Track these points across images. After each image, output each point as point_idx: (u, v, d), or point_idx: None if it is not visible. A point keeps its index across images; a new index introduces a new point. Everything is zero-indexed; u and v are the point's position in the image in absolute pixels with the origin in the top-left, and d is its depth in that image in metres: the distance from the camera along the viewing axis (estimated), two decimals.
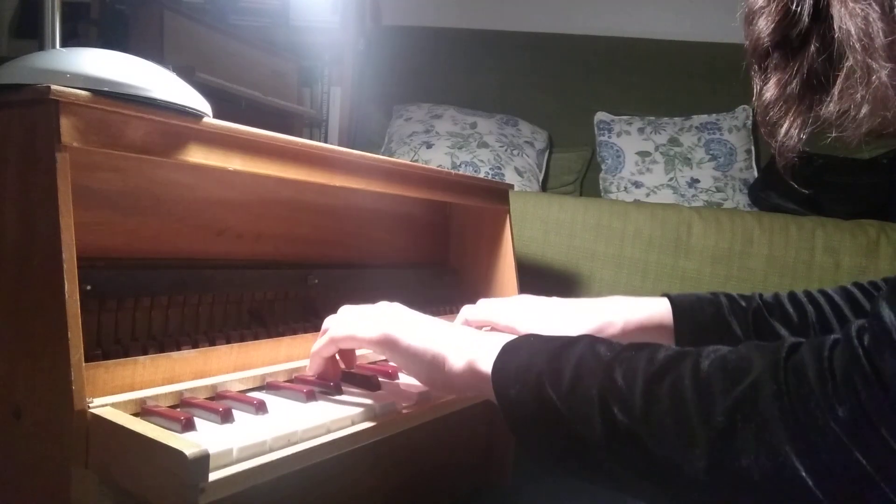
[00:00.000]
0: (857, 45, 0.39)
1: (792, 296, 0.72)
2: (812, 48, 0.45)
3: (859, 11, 0.39)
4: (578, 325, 0.72)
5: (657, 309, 0.73)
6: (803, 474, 0.38)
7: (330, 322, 0.66)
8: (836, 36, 0.42)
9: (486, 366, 0.55)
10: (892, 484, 0.36)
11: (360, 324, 0.63)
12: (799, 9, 0.45)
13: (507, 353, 0.54)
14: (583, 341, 0.52)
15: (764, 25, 0.47)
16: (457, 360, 0.57)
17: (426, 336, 0.60)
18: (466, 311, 0.80)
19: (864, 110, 0.40)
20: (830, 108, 0.43)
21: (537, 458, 0.52)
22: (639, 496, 0.48)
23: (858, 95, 0.40)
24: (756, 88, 0.49)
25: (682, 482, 0.43)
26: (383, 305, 0.65)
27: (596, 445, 0.47)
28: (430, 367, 0.59)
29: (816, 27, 0.45)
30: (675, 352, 0.47)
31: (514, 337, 0.57)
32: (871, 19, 0.38)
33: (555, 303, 0.77)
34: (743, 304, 0.72)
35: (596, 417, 0.46)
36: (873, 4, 0.38)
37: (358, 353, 0.76)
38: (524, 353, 0.53)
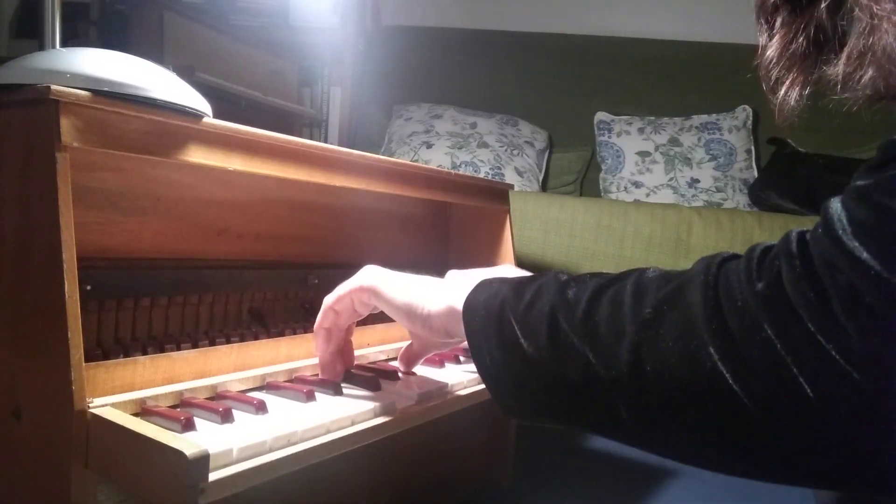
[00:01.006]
0: None
1: None
2: (822, 5, 0.44)
3: None
4: None
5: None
6: (716, 359, 0.38)
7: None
8: None
9: (460, 302, 0.56)
10: (805, 371, 0.35)
11: (349, 284, 0.65)
12: None
13: (479, 288, 0.56)
14: (550, 272, 0.53)
15: None
16: (435, 301, 0.59)
17: (408, 281, 0.63)
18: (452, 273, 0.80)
19: (870, 71, 0.40)
20: (839, 68, 0.42)
21: (496, 394, 0.52)
22: (578, 421, 0.48)
23: (865, 51, 0.40)
24: (760, 44, 0.48)
25: (608, 387, 0.43)
26: (365, 267, 0.67)
27: (540, 360, 0.47)
28: (409, 306, 0.61)
29: None
30: (626, 270, 0.48)
31: (491, 277, 0.58)
32: None
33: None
34: None
35: (543, 331, 0.47)
36: None
37: (358, 353, 0.76)
38: (495, 285, 0.55)
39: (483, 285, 0.56)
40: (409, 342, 0.72)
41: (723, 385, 0.38)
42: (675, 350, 0.40)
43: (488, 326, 0.52)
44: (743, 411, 0.38)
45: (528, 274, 0.59)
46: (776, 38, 0.47)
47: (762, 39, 0.48)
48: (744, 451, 0.39)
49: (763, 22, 0.48)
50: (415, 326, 0.62)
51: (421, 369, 0.77)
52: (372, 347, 0.83)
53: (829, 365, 0.35)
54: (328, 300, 0.66)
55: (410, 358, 0.73)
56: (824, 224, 0.38)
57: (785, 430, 0.37)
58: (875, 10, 0.38)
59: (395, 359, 0.83)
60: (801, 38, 0.45)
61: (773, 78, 0.47)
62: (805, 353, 0.35)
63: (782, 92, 0.47)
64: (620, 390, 0.43)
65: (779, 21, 0.47)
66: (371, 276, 0.64)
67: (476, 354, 0.53)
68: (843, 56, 0.42)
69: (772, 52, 0.47)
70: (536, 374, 0.48)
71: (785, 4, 0.46)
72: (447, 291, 0.59)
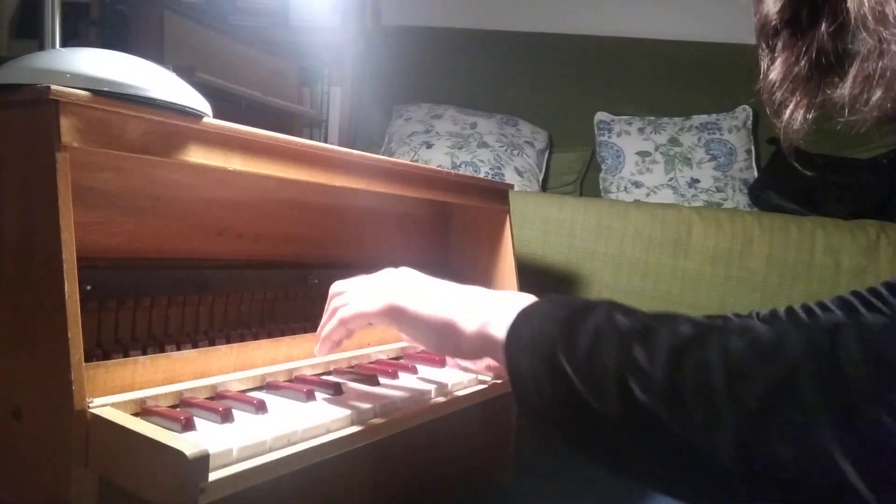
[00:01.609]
0: (869, 16, 0.38)
1: (789, 311, 0.69)
2: (823, 27, 0.44)
3: None
4: None
5: None
6: (848, 470, 0.34)
7: (335, 299, 0.65)
8: (850, 15, 0.41)
9: (499, 331, 0.52)
10: None
11: (365, 299, 0.61)
12: None
13: (521, 319, 0.51)
14: (601, 307, 0.48)
15: (773, 2, 0.46)
16: (468, 325, 0.55)
17: (434, 300, 0.58)
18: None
19: (878, 93, 0.39)
20: (845, 90, 0.41)
21: (545, 435, 0.48)
22: (658, 486, 0.44)
23: (873, 74, 0.39)
24: (763, 67, 0.47)
25: (707, 468, 0.40)
26: (387, 272, 0.63)
27: (612, 424, 0.43)
28: (439, 333, 0.57)
29: (828, 5, 0.44)
30: (702, 325, 0.43)
31: (528, 300, 0.54)
32: None
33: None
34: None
35: (613, 394, 0.43)
36: None
37: (358, 353, 0.76)
38: (538, 318, 0.50)
39: (524, 318, 0.51)
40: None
41: (854, 498, 0.34)
42: (793, 453, 0.36)
43: (539, 373, 0.47)
44: None
45: (568, 298, 0.52)
46: (778, 61, 0.46)
47: (764, 63, 0.47)
48: None
49: (764, 45, 0.47)
50: (444, 352, 0.59)
51: (421, 369, 0.77)
52: (372, 347, 0.83)
53: None
54: (344, 314, 0.63)
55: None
56: None
57: None
58: (884, 34, 0.38)
59: (395, 358, 0.83)
60: (804, 61, 0.45)
61: (777, 101, 0.46)
62: None
63: (787, 115, 0.46)
64: (726, 476, 0.39)
65: (780, 44, 0.46)
66: (394, 298, 0.59)
67: (522, 398, 0.49)
68: (850, 78, 0.41)
69: (774, 75, 0.46)
70: (610, 434, 0.44)
71: (786, 27, 0.46)
72: (480, 314, 0.55)
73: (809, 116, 0.46)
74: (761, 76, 0.48)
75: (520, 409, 0.49)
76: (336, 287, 0.66)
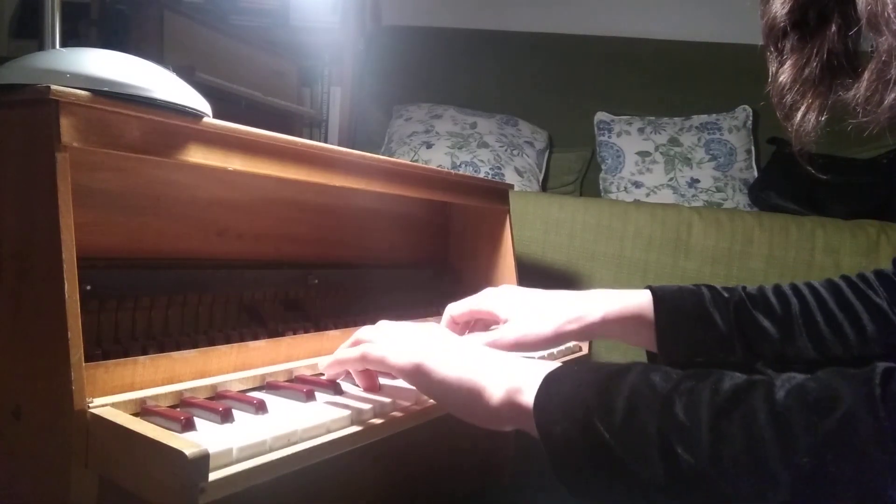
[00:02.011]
0: (892, 15, 0.36)
1: (776, 288, 0.70)
2: (833, 28, 0.43)
3: None
4: (559, 315, 0.71)
5: (638, 300, 0.71)
6: None
7: (364, 333, 0.63)
8: (862, 15, 0.40)
9: (528, 398, 0.49)
10: None
11: (393, 348, 0.59)
12: None
13: (550, 384, 0.49)
14: (634, 369, 0.46)
15: (780, 5, 0.45)
16: (495, 392, 0.52)
17: (460, 365, 0.54)
18: (451, 308, 0.77)
19: (893, 94, 0.38)
20: (860, 91, 0.40)
21: (577, 495, 0.46)
22: None
23: (889, 74, 0.38)
24: (771, 71, 0.46)
25: None
26: (419, 329, 0.61)
27: (657, 488, 0.41)
28: (466, 400, 0.53)
29: (838, 5, 0.43)
30: (744, 380, 0.42)
31: (555, 365, 0.51)
32: None
33: (536, 292, 0.75)
34: (725, 295, 0.70)
35: (656, 457, 0.41)
36: None
37: None
38: (568, 383, 0.48)
39: (554, 382, 0.49)
40: None
41: None
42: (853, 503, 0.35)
43: (574, 438, 0.45)
44: None
45: (599, 363, 0.50)
46: (788, 63, 0.45)
47: (773, 66, 0.46)
48: None
49: (773, 48, 0.46)
50: (474, 421, 0.54)
51: None
52: None
53: None
54: (369, 351, 0.60)
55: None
56: None
57: None
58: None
59: None
60: (815, 63, 0.44)
61: (788, 104, 0.45)
62: None
63: (798, 117, 0.45)
64: None
65: (788, 46, 0.45)
66: (416, 357, 0.56)
67: (557, 465, 0.46)
68: (864, 80, 0.40)
69: (784, 77, 0.45)
70: (654, 500, 0.42)
71: (795, 29, 0.45)
72: (507, 378, 0.52)
73: (822, 119, 0.45)
74: (770, 79, 0.47)
75: (556, 477, 0.47)
76: (363, 332, 0.63)
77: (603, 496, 0.45)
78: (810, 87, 0.45)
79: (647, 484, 0.41)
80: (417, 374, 0.56)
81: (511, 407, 0.51)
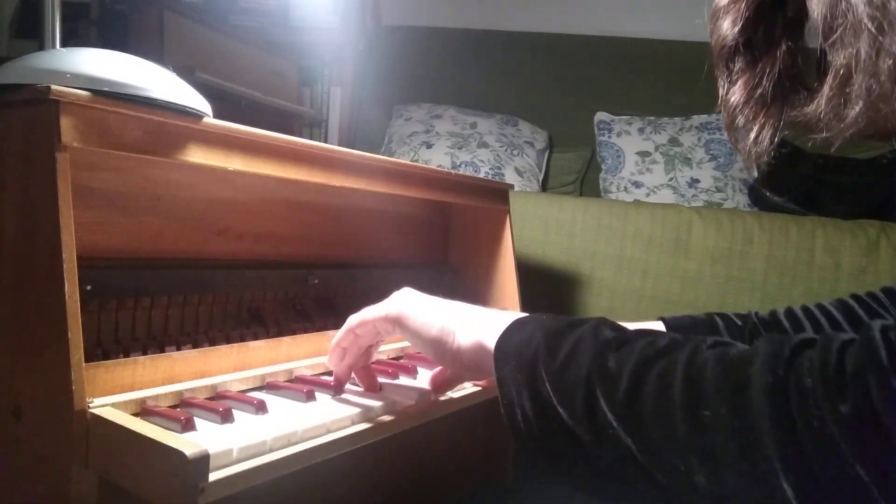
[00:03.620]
0: (870, 25, 0.36)
1: (788, 312, 0.69)
2: (783, 47, 0.43)
3: None
4: None
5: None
6: (784, 485, 0.33)
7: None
8: (816, 30, 0.39)
9: (491, 341, 0.52)
10: (892, 501, 0.31)
11: (371, 308, 0.62)
12: (769, 4, 0.42)
13: (513, 328, 0.51)
14: (592, 321, 0.48)
15: (729, 24, 0.44)
16: (465, 336, 0.55)
17: (435, 312, 0.59)
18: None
19: (857, 107, 0.37)
20: (821, 107, 0.40)
21: (522, 444, 0.48)
22: (625, 499, 0.43)
23: (850, 89, 0.37)
24: (721, 91, 0.46)
25: (658, 490, 0.39)
26: (396, 292, 0.65)
27: (577, 431, 0.43)
28: (437, 341, 0.57)
29: (790, 23, 0.43)
30: (680, 339, 0.43)
31: (525, 315, 0.54)
32: None
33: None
34: (739, 323, 0.69)
35: (580, 400, 0.42)
36: None
37: None
38: (528, 328, 0.50)
39: (516, 326, 0.51)
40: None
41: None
42: (737, 469, 0.35)
43: (519, 378, 0.47)
44: None
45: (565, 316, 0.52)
46: (739, 83, 0.45)
47: (723, 87, 0.46)
48: None
49: (723, 67, 0.46)
50: (444, 362, 0.59)
51: (421, 369, 0.77)
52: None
53: None
54: (351, 321, 0.64)
55: (441, 384, 0.68)
56: None
57: None
58: (862, 52, 0.36)
59: (396, 358, 0.83)
60: (767, 83, 0.43)
61: (740, 125, 0.45)
62: None
63: (751, 139, 0.45)
64: (674, 496, 0.39)
65: (738, 66, 0.45)
66: (397, 306, 0.60)
67: (506, 406, 0.48)
68: (823, 96, 0.39)
69: (735, 98, 0.45)
70: (573, 447, 0.43)
71: (746, 48, 0.44)
72: (477, 325, 0.55)
73: (776, 140, 0.44)
74: (720, 100, 0.46)
75: (505, 423, 0.48)
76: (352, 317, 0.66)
77: (536, 435, 0.46)
78: (762, 108, 0.44)
79: (570, 426, 0.43)
80: (396, 321, 0.60)
81: (477, 349, 0.54)
